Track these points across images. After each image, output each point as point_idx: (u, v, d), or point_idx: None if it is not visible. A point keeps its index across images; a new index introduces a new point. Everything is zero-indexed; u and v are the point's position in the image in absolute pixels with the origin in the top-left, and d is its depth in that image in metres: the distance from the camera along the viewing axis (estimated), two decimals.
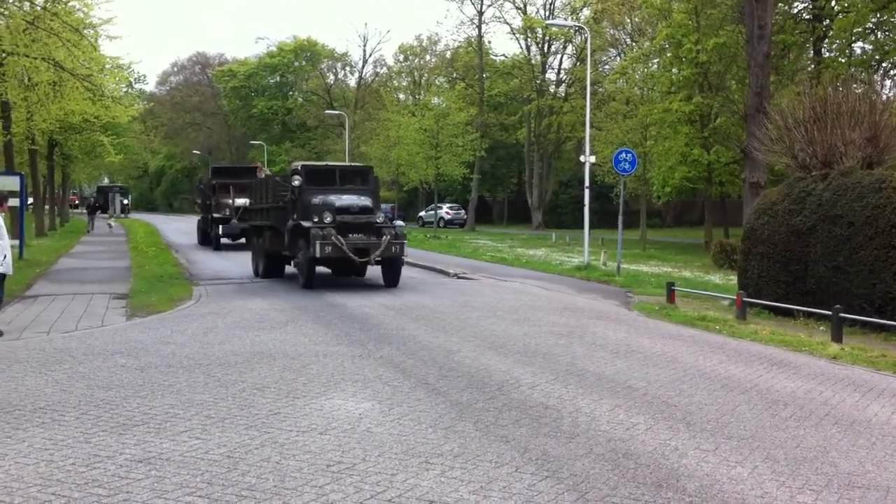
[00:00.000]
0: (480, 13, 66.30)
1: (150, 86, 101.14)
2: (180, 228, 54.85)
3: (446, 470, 6.83)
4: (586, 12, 60.37)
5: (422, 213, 70.88)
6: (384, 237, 20.21)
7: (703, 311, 17.55)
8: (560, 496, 6.29)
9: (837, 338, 13.84)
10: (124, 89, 47.43)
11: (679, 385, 10.22)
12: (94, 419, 8.25)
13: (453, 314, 16.23)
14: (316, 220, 20.11)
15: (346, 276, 22.75)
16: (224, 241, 36.96)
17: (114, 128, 48.63)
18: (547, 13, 63.78)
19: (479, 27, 66.86)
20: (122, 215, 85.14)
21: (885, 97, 19.21)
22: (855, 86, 22.43)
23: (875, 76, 34.63)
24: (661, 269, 28.27)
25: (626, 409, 8.94)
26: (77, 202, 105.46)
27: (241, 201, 33.95)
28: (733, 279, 22.37)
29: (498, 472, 6.81)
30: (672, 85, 40.65)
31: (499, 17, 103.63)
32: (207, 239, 38.34)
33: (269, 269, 23.47)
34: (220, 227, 35.46)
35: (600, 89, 55.44)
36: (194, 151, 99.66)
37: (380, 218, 21.02)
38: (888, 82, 36.12)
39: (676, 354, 12.39)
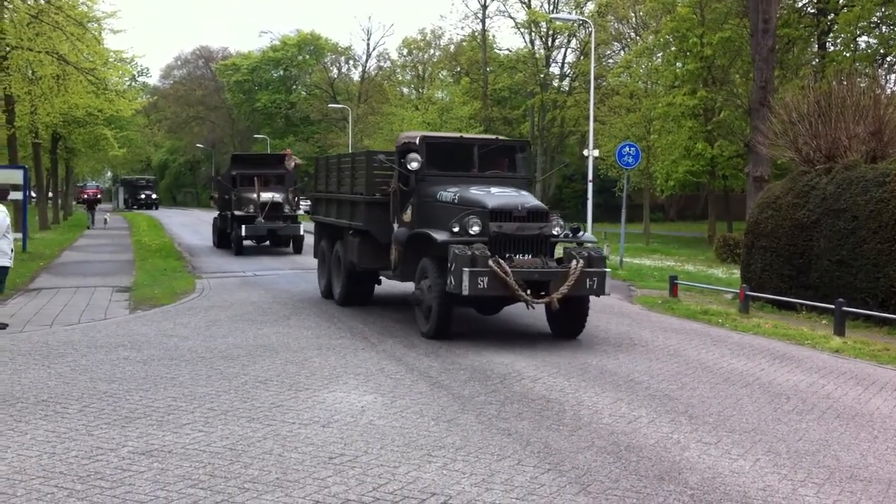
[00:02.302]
0: (484, 7, 66.15)
1: (153, 79, 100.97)
2: (183, 223, 54.82)
3: (448, 462, 6.84)
4: (590, 6, 60.26)
5: None
6: (574, 262, 12.06)
7: (706, 304, 17.54)
8: (562, 489, 6.29)
9: (840, 332, 13.82)
10: (128, 83, 47.46)
11: (681, 378, 10.22)
12: (96, 412, 8.26)
13: (454, 308, 16.18)
14: (456, 228, 12.24)
15: (489, 314, 14.92)
16: (247, 243, 29.90)
17: (117, 121, 48.60)
18: (551, 7, 63.64)
19: (483, 21, 66.70)
20: (125, 209, 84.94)
21: (889, 91, 19.19)
22: (859, 80, 22.38)
23: (879, 70, 34.58)
24: (664, 263, 28.25)
25: (629, 402, 8.94)
26: (100, 196, 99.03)
27: (268, 196, 28.97)
28: (736, 273, 22.33)
29: (500, 464, 6.82)
30: (676, 79, 40.57)
31: (503, 12, 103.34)
32: (226, 240, 31.30)
33: (353, 293, 16.37)
34: (243, 227, 28.28)
35: (604, 83, 55.34)
36: (198, 145, 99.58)
37: (556, 228, 12.78)
38: (893, 76, 36.09)
39: (679, 348, 12.39)
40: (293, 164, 31.76)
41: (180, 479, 6.37)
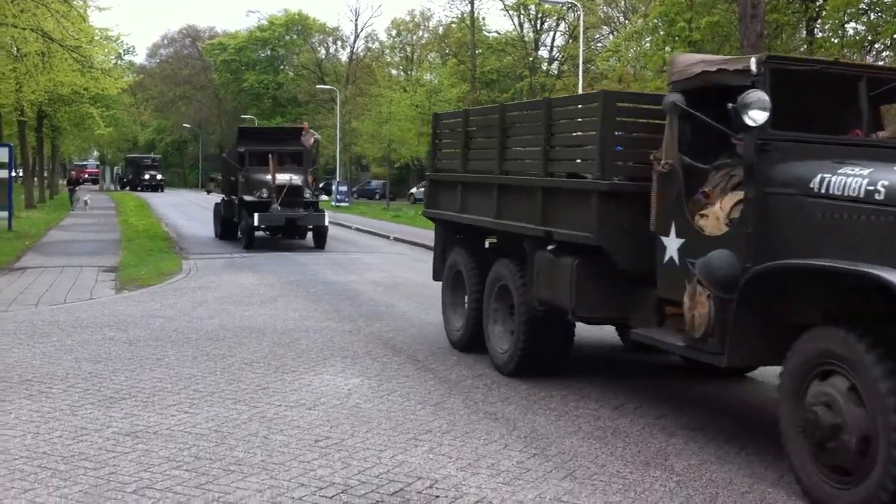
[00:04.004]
0: None
1: (139, 58, 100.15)
2: (171, 202, 54.58)
3: (435, 446, 6.82)
4: None
5: (413, 190, 70.79)
6: None
7: None
8: (548, 473, 6.29)
9: None
10: (113, 61, 47.16)
11: (668, 365, 10.21)
12: (81, 392, 8.22)
13: None
14: None
15: None
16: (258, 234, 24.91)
17: (103, 100, 48.27)
18: None
19: (472, 3, 66.43)
20: (114, 188, 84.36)
21: None
22: None
23: (867, 57, 34.60)
24: None
25: (616, 388, 8.93)
26: (86, 176, 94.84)
27: (285, 178, 24.20)
28: None
29: (486, 448, 6.81)
30: (665, 63, 40.55)
31: None
32: (231, 231, 26.59)
33: (539, 353, 9.20)
34: (256, 215, 23.49)
35: (592, 67, 55.28)
36: (184, 125, 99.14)
37: None
38: (880, 63, 36.11)
39: None
40: (312, 139, 27.46)
41: (165, 460, 6.34)
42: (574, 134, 8.81)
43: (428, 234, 31.02)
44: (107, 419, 7.35)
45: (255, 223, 23.60)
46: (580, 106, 9.04)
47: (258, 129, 32.81)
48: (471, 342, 10.36)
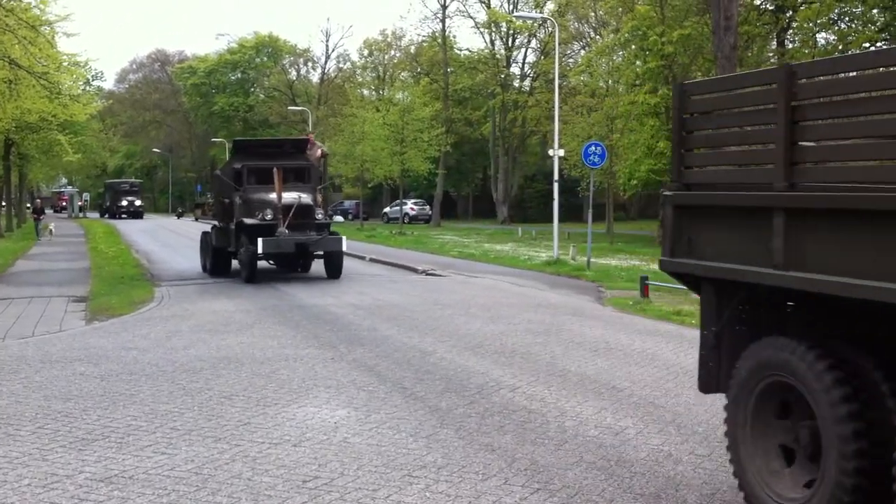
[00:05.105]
0: (444, 7, 65.80)
1: (108, 83, 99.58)
2: (141, 229, 53.87)
3: (431, 484, 6.42)
4: (550, 6, 60.16)
5: (386, 210, 70.48)
6: None
7: (678, 304, 17.23)
8: None
9: None
10: (82, 87, 46.59)
11: (664, 384, 9.87)
12: (51, 433, 7.75)
13: (425, 313, 15.79)
14: None
15: None
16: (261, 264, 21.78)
17: (71, 126, 47.58)
18: (511, 7, 63.46)
19: (443, 21, 66.43)
20: (81, 215, 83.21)
21: None
22: None
23: None
24: (629, 263, 28.02)
25: (613, 411, 8.56)
26: (64, 204, 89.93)
27: (293, 196, 21.04)
28: None
29: (486, 484, 6.41)
30: (637, 77, 40.49)
31: (462, 12, 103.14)
32: (224, 263, 22.95)
33: None
34: (259, 241, 20.01)
35: (565, 83, 55.24)
36: (154, 150, 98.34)
37: None
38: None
39: (657, 351, 12.06)
40: (319, 152, 24.33)
41: None
42: None
43: (404, 255, 30.76)
44: (79, 463, 6.89)
45: (259, 250, 20.28)
46: None
47: (257, 142, 28.30)
48: None
